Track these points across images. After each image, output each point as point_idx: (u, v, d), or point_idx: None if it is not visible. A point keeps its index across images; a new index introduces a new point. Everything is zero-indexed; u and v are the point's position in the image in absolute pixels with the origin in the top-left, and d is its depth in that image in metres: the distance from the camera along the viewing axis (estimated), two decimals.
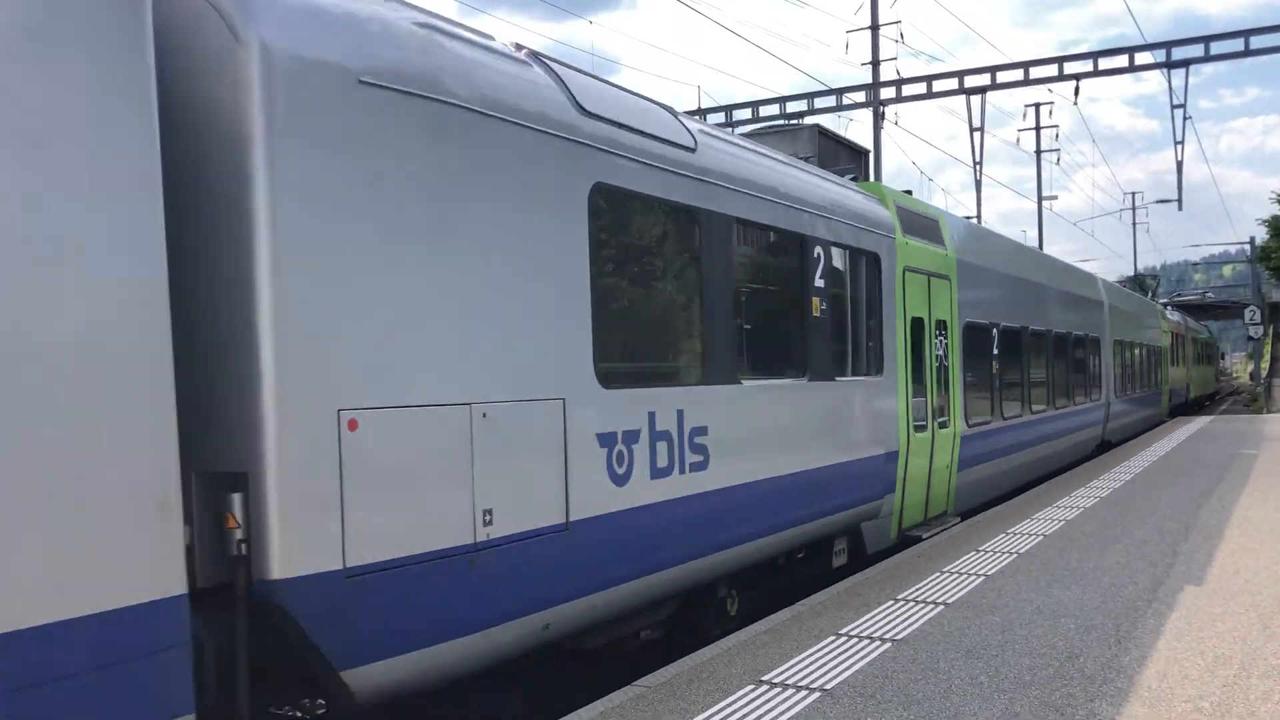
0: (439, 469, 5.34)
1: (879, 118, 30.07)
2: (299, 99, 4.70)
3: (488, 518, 5.57)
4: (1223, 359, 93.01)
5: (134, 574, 3.86)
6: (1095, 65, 29.25)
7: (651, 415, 7.01)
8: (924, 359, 11.92)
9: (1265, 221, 60.41)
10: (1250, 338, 50.70)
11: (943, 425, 12.40)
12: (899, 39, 32.62)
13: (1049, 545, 10.60)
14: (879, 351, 10.69)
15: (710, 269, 7.75)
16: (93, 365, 3.76)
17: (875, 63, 30.81)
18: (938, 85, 31.06)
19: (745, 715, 5.74)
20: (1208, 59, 28.16)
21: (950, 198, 60.02)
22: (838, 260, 9.86)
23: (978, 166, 35.21)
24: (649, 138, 7.21)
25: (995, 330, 14.88)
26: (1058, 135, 63.98)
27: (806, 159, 10.92)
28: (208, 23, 4.60)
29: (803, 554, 9.56)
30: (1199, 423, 30.05)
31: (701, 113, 33.16)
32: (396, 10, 5.49)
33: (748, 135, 11.67)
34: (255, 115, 4.54)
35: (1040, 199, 47.18)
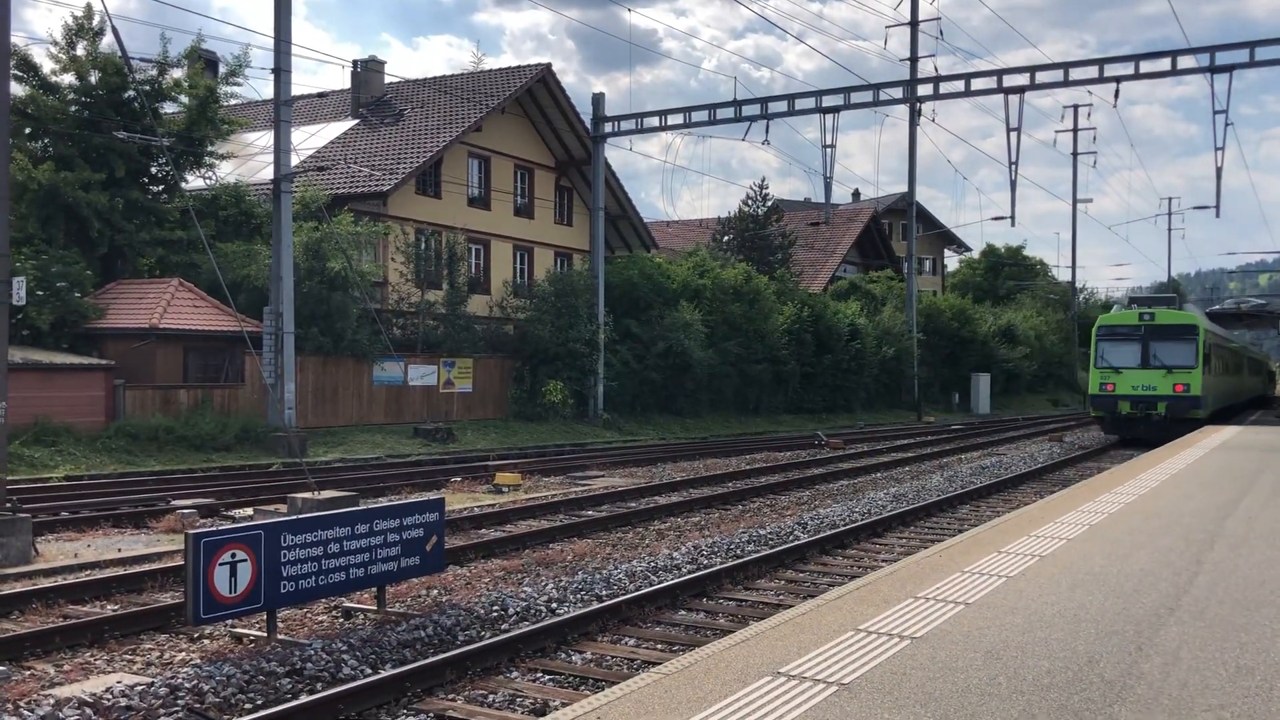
0: None
1: (915, 114, 29.88)
2: None
3: None
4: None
5: None
6: (1136, 68, 28.91)
7: None
8: None
9: None
10: None
11: None
12: (939, 36, 32.34)
13: (1072, 549, 10.54)
14: None
15: None
16: None
17: (913, 59, 30.63)
18: (976, 84, 30.81)
19: (762, 706, 5.75)
20: (1252, 64, 27.79)
21: (984, 197, 59.77)
22: None
23: (1013, 166, 34.93)
24: None
25: None
26: (1095, 138, 63.35)
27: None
28: None
29: None
30: (1228, 432, 29.74)
31: (738, 104, 33.02)
32: None
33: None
34: None
35: (1075, 201, 46.79)
